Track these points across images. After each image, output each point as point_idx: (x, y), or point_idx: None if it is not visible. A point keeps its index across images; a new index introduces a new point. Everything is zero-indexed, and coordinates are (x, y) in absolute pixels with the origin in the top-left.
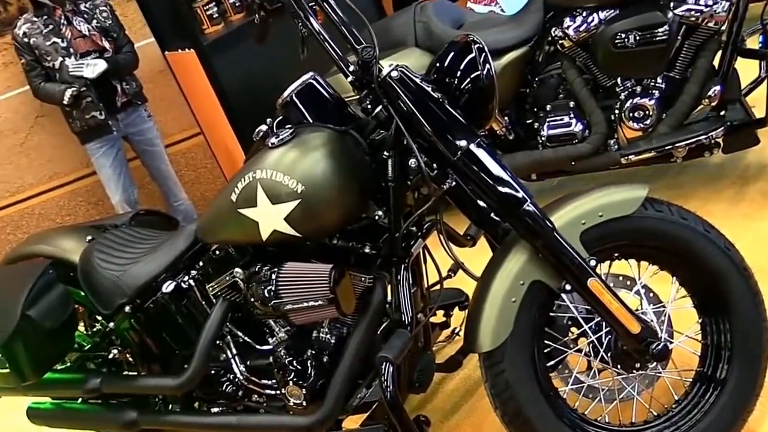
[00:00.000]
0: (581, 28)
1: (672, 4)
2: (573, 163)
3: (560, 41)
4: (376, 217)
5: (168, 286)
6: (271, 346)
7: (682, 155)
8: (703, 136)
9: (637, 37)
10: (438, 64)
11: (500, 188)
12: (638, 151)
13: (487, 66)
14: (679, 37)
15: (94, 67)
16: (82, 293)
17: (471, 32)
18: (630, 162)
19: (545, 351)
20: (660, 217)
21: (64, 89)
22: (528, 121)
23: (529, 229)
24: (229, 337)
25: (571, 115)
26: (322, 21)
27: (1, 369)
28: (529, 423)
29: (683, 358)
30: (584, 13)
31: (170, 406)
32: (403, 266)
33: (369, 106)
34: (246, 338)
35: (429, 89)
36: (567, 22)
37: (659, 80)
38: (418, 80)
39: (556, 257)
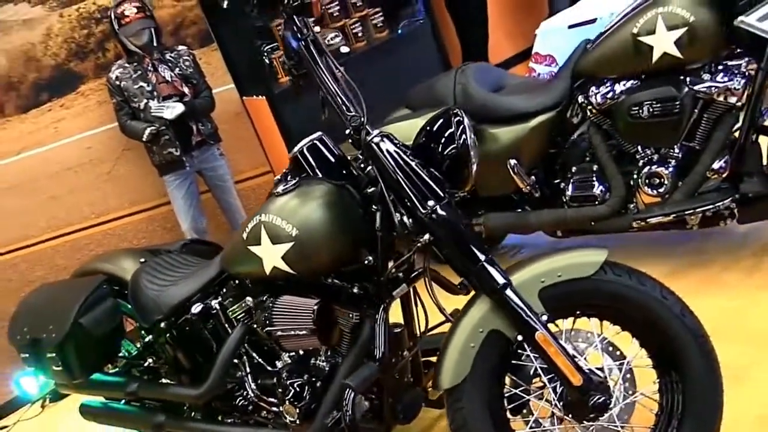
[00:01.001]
0: (605, 97)
1: (689, 79)
2: (593, 223)
3: (587, 107)
4: (366, 262)
5: (197, 308)
6: (278, 369)
7: (696, 222)
8: (712, 206)
9: (650, 109)
10: (425, 131)
11: (461, 245)
12: (650, 216)
13: (464, 137)
14: (696, 110)
15: (172, 110)
16: (131, 307)
17: (507, 95)
18: (643, 226)
19: (508, 395)
20: (618, 281)
21: (145, 127)
22: (556, 181)
23: (484, 284)
24: (245, 357)
25: (594, 178)
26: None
27: (56, 366)
28: None
29: (643, 415)
30: (608, 83)
31: (193, 413)
32: (382, 307)
33: (362, 165)
34: (259, 359)
35: (406, 155)
36: (593, 90)
37: (676, 150)
38: (397, 146)
39: (508, 310)
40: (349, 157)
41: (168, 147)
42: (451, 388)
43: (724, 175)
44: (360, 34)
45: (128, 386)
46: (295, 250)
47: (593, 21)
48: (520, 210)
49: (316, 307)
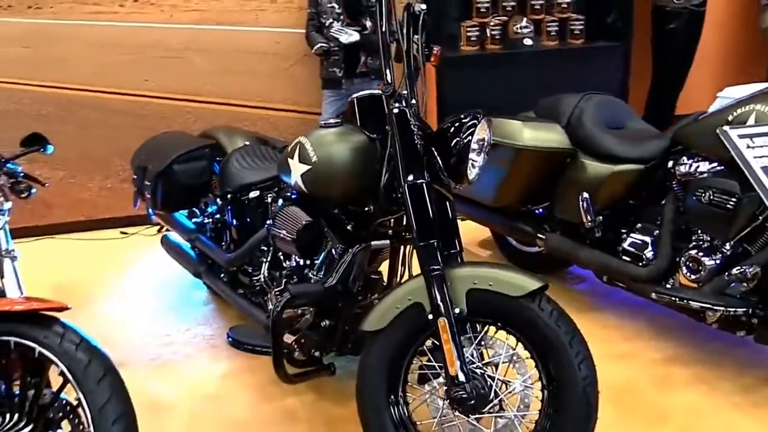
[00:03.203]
0: (689, 169)
1: None
2: (632, 280)
3: (674, 174)
4: (367, 209)
5: (254, 194)
6: (285, 266)
7: (715, 320)
8: (724, 309)
9: (711, 197)
10: (448, 123)
11: (417, 222)
12: (669, 294)
13: (468, 138)
14: (760, 216)
15: (348, 36)
16: None
17: (614, 135)
18: (664, 302)
19: (419, 365)
20: (538, 312)
21: (319, 42)
22: (622, 230)
23: (422, 261)
24: (271, 248)
25: (650, 241)
26: (437, 63)
27: (147, 194)
28: (362, 399)
29: None
30: (698, 158)
31: (222, 276)
32: (356, 247)
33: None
34: (279, 255)
35: (412, 132)
36: (684, 159)
37: (728, 246)
38: (410, 123)
39: (430, 291)
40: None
41: (334, 66)
42: (369, 333)
43: (752, 285)
44: (554, 33)
45: (191, 234)
46: (311, 174)
47: None
48: (578, 243)
49: (304, 223)
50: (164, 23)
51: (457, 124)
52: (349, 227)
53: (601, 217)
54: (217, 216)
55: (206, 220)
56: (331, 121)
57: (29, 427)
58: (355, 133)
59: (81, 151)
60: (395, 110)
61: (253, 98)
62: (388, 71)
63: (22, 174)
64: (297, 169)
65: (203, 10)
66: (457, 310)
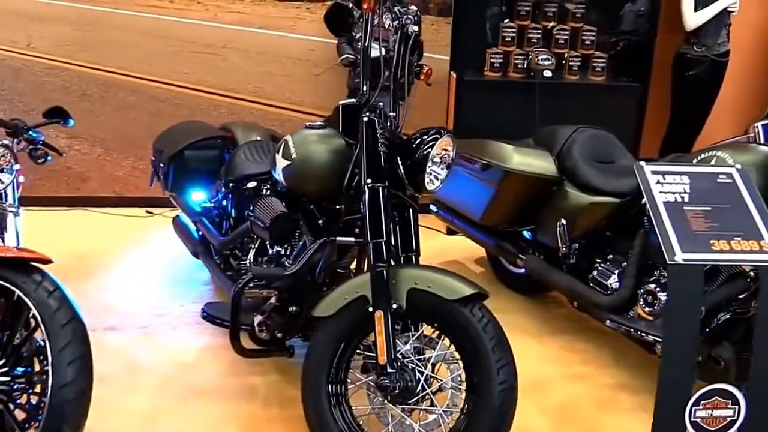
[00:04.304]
0: None
1: None
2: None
3: (645, 211)
4: (338, 207)
5: (251, 184)
6: (268, 253)
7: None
8: None
9: None
10: (415, 135)
11: (368, 221)
12: (622, 323)
13: (428, 150)
14: None
15: (374, 51)
16: None
17: (598, 169)
18: (617, 330)
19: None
20: (468, 318)
21: (346, 53)
22: (597, 260)
23: (370, 258)
24: None
25: (618, 272)
26: (426, 80)
27: (161, 174)
28: (306, 377)
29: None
30: None
31: (216, 257)
32: (321, 240)
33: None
34: (267, 243)
35: (378, 140)
36: None
37: None
38: (377, 132)
39: (373, 286)
40: None
41: (358, 77)
42: (318, 319)
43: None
44: (576, 69)
45: (196, 216)
46: (290, 169)
47: None
48: (554, 267)
49: (278, 213)
50: (208, 21)
51: (424, 137)
52: (320, 222)
53: (577, 245)
54: (222, 203)
55: (211, 206)
56: (316, 123)
57: (2, 361)
58: (335, 136)
59: (119, 132)
60: (365, 118)
61: (283, 100)
62: (365, 83)
63: (41, 142)
64: (280, 164)
65: (245, 12)
66: (395, 306)
